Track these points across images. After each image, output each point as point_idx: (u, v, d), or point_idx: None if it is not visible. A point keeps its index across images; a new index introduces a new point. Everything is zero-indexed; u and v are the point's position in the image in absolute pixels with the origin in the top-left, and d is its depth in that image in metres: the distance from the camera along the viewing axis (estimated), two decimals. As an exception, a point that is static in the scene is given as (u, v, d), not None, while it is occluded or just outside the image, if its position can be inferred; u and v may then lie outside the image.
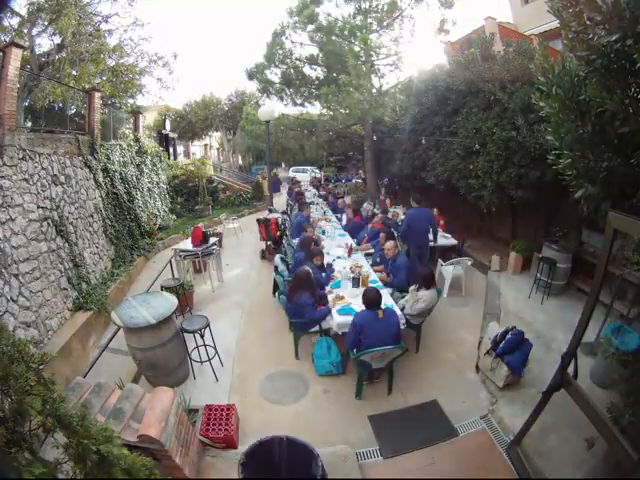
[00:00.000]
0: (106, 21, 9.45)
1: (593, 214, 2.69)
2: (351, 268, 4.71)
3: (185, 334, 3.77)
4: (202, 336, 3.75)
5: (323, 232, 6.79)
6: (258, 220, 7.92)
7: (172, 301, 3.69)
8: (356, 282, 4.30)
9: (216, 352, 3.96)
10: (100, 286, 5.63)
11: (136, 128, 10.34)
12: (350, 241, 6.21)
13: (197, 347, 3.88)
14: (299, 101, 11.61)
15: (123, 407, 2.25)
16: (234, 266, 7.27)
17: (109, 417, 2.17)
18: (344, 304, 3.97)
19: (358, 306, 3.82)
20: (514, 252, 6.09)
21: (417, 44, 9.38)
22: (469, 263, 5.87)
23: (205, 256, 6.00)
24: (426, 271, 4.15)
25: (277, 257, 5.39)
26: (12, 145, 4.40)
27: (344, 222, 7.98)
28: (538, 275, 5.26)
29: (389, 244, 4.85)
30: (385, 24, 9.15)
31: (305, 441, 2.26)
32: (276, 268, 5.16)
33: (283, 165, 26.90)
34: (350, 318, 3.62)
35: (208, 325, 3.80)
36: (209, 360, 3.84)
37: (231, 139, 24.95)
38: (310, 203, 10.15)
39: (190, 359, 3.83)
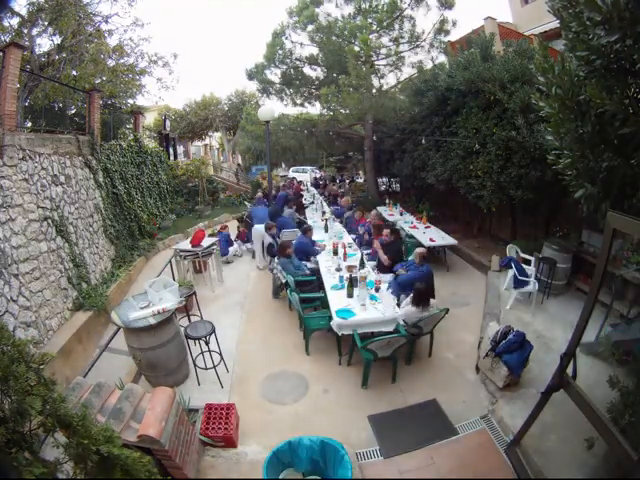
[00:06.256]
0: (106, 21, 9.44)
1: (593, 214, 2.69)
2: (347, 268, 4.74)
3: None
4: (207, 343, 3.63)
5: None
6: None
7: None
8: (355, 282, 4.29)
9: (222, 359, 3.80)
10: (100, 286, 5.63)
11: (136, 128, 10.34)
12: (347, 240, 6.21)
13: (202, 353, 3.72)
14: (299, 101, 11.59)
15: (123, 407, 2.25)
16: (234, 266, 7.28)
17: (109, 417, 2.17)
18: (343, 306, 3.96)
19: (357, 308, 3.83)
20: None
21: (417, 44, 9.31)
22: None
23: (205, 256, 6.00)
24: (419, 288, 3.96)
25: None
26: (12, 145, 4.39)
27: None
28: (538, 275, 5.26)
29: (418, 251, 4.77)
30: (385, 24, 9.13)
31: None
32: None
33: (283, 165, 26.80)
34: (349, 320, 3.65)
35: (213, 331, 3.67)
36: (214, 367, 3.69)
37: (231, 139, 24.88)
38: (311, 203, 10.17)
39: (195, 366, 3.67)
